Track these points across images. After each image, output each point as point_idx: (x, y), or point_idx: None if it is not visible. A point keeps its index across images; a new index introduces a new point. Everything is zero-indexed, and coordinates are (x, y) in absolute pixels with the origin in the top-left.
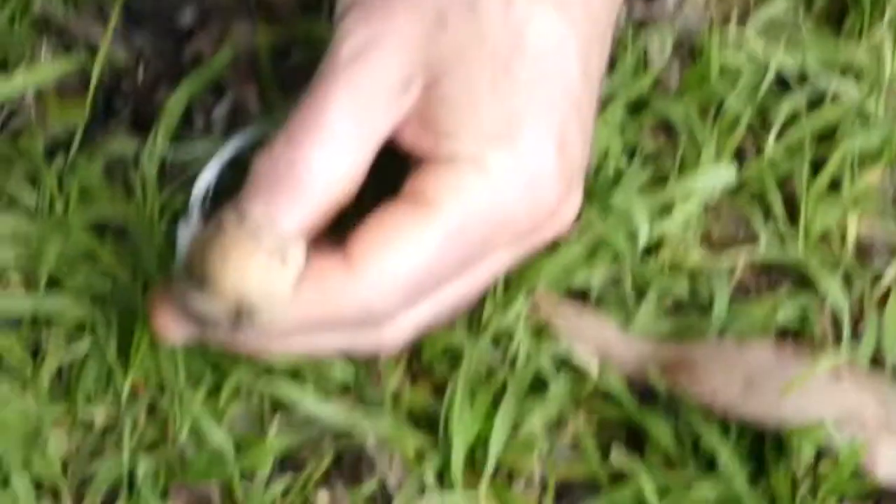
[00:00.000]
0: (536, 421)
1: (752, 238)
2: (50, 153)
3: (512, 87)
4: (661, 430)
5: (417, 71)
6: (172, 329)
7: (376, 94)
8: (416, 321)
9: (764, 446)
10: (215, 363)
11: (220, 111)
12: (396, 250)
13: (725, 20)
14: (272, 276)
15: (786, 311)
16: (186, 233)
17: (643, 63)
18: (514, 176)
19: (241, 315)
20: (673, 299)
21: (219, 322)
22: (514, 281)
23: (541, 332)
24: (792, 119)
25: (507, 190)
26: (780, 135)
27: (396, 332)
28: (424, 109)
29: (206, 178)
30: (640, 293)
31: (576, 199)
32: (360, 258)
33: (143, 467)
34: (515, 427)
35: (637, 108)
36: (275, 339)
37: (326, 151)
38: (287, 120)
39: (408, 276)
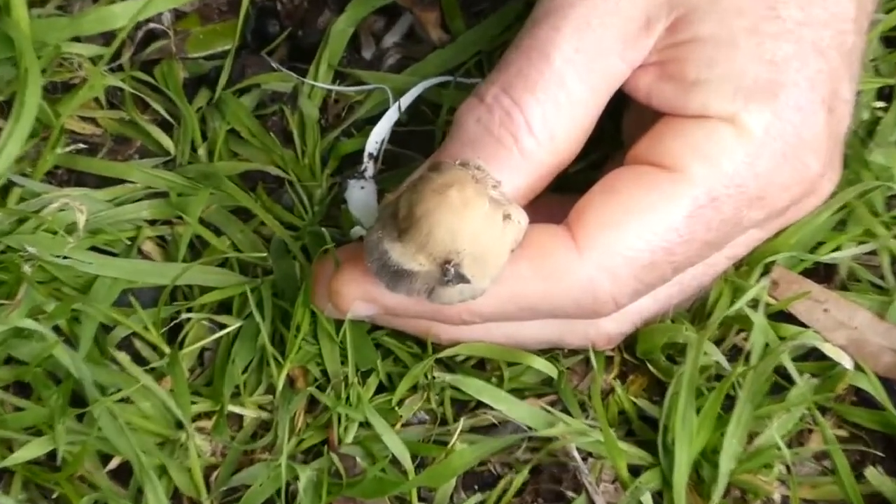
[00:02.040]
0: (776, 430)
1: None
2: (191, 87)
3: (776, 31)
4: None
5: (662, 8)
6: (348, 300)
7: (611, 35)
8: (642, 312)
9: None
10: (389, 352)
11: (393, 37)
12: (633, 226)
13: None
14: (492, 231)
15: None
16: (359, 192)
17: None
18: (776, 139)
19: (447, 276)
20: None
21: (415, 288)
22: (746, 257)
23: (779, 319)
24: None
25: (768, 156)
26: None
27: (617, 324)
28: (669, 54)
29: (382, 129)
30: None
31: (836, 172)
32: (588, 234)
33: (304, 479)
34: (750, 437)
35: (893, 40)
36: (475, 320)
37: (549, 105)
38: (501, 64)
39: (645, 259)
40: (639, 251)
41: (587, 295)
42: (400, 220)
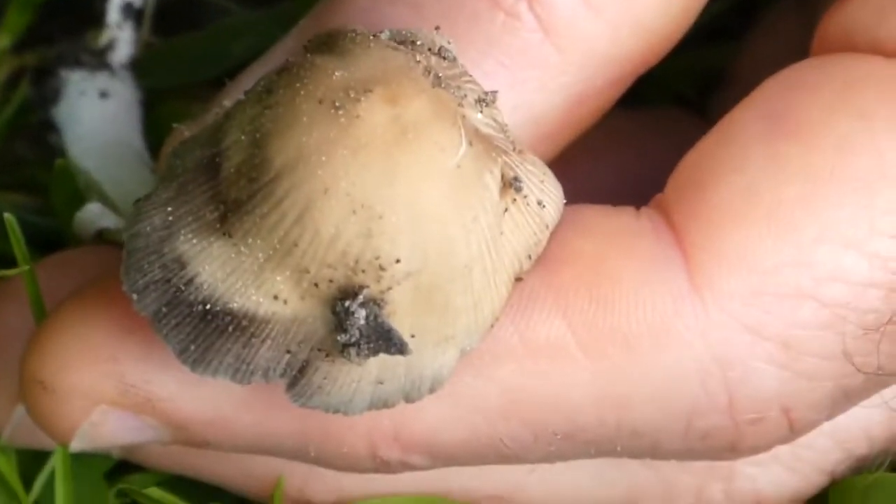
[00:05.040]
0: None
1: None
2: None
3: None
4: None
5: None
6: (74, 404)
7: None
8: (844, 448)
9: None
10: None
11: None
12: (847, 222)
13: None
14: (474, 217)
15: None
16: (94, 105)
17: None
18: None
19: (347, 330)
20: None
21: (258, 364)
22: None
23: None
24: None
25: None
26: None
27: (781, 477)
28: None
29: None
30: None
31: None
32: (722, 239)
33: None
34: None
35: None
36: (414, 461)
37: None
38: None
39: (872, 298)
40: (861, 280)
41: (717, 394)
42: (224, 181)
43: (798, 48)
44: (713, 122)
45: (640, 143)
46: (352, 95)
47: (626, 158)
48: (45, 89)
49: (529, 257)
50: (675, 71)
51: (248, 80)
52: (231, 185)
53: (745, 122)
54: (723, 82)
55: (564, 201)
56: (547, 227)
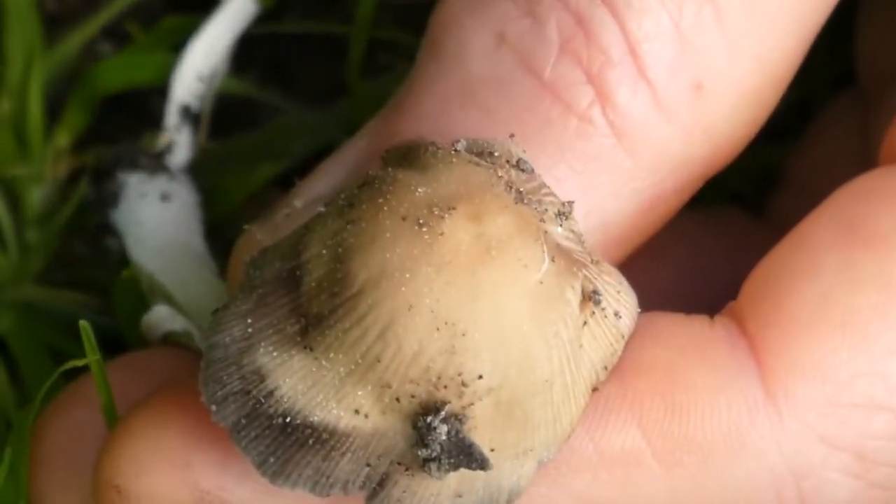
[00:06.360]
0: None
1: None
2: None
3: None
4: None
5: None
6: None
7: None
8: None
9: None
10: None
11: None
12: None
13: None
14: (554, 333)
15: None
16: (154, 209)
17: None
18: None
19: (428, 446)
20: None
21: (337, 477)
22: None
23: None
24: None
25: None
26: None
27: None
28: None
29: (216, 39)
30: None
31: None
32: (797, 351)
33: None
34: None
35: None
36: None
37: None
38: None
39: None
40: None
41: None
42: (305, 294)
43: (856, 148)
44: (769, 221)
45: (697, 242)
46: (435, 212)
47: (684, 258)
48: (103, 192)
49: (606, 368)
50: (732, 170)
51: (319, 179)
52: (312, 299)
53: (818, 230)
54: (780, 181)
55: (639, 310)
56: (623, 337)
